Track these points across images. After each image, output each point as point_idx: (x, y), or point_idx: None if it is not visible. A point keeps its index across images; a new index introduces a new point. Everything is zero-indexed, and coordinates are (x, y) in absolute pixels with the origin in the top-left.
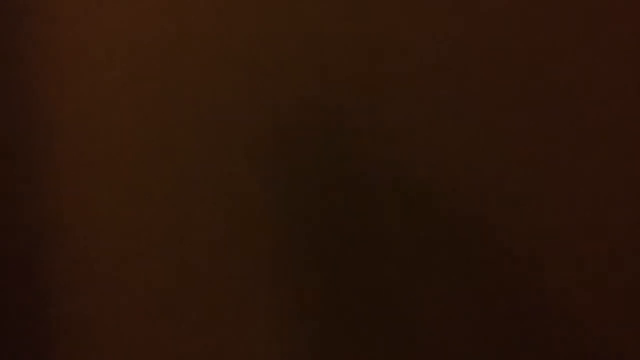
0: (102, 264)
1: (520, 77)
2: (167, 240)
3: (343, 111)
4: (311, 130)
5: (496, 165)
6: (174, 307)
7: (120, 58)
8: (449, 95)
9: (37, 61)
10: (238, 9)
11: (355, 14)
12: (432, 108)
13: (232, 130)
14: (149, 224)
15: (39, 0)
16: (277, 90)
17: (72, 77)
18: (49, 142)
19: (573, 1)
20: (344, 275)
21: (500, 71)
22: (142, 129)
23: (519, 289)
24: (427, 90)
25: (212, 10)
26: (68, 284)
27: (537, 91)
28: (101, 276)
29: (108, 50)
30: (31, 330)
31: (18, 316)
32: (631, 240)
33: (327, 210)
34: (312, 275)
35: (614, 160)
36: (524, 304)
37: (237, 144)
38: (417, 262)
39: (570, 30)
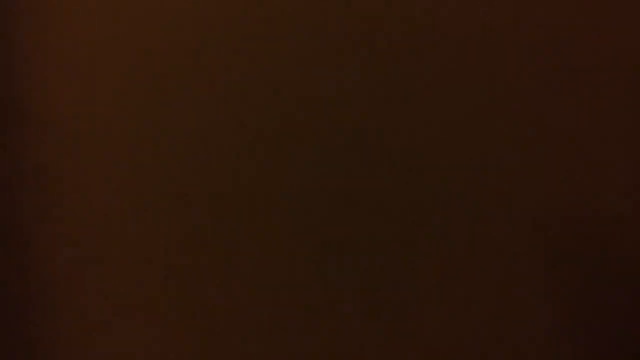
0: (101, 264)
1: (519, 77)
2: (166, 239)
3: (342, 111)
4: (311, 129)
5: (495, 161)
6: (174, 307)
7: (119, 57)
8: (448, 95)
9: (36, 59)
10: (238, 9)
11: (355, 13)
12: (431, 107)
13: (232, 129)
14: (148, 224)
15: (39, 0)
16: (276, 90)
17: (71, 75)
18: (46, 140)
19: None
20: (343, 273)
21: (499, 71)
22: (141, 128)
23: (518, 289)
24: (426, 90)
25: (212, 9)
26: (66, 283)
27: (536, 91)
28: (100, 275)
29: (107, 49)
30: (29, 328)
31: (16, 315)
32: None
33: (326, 209)
34: (312, 275)
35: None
36: (524, 303)
37: (236, 143)
38: (418, 258)
39: (569, 31)
